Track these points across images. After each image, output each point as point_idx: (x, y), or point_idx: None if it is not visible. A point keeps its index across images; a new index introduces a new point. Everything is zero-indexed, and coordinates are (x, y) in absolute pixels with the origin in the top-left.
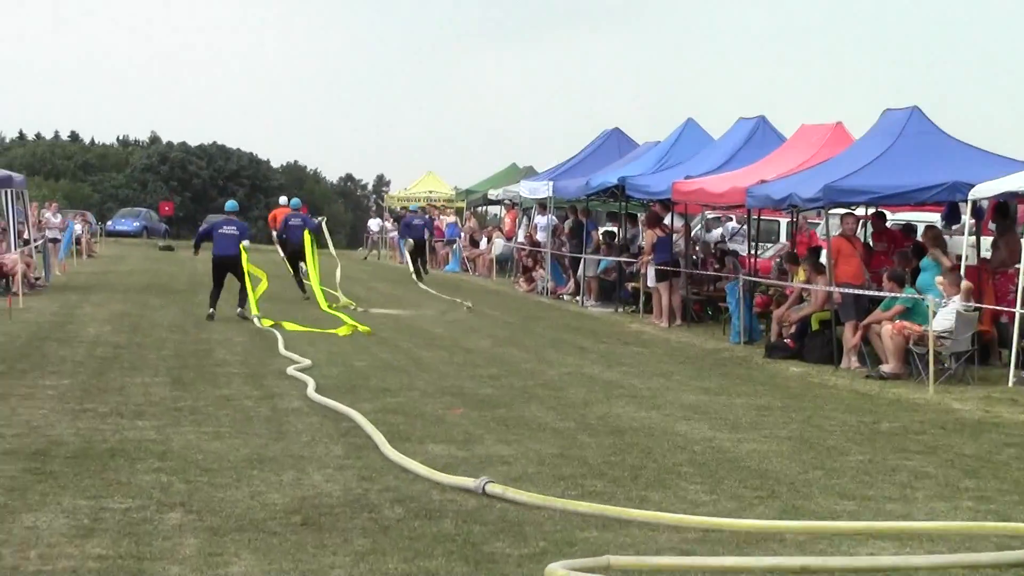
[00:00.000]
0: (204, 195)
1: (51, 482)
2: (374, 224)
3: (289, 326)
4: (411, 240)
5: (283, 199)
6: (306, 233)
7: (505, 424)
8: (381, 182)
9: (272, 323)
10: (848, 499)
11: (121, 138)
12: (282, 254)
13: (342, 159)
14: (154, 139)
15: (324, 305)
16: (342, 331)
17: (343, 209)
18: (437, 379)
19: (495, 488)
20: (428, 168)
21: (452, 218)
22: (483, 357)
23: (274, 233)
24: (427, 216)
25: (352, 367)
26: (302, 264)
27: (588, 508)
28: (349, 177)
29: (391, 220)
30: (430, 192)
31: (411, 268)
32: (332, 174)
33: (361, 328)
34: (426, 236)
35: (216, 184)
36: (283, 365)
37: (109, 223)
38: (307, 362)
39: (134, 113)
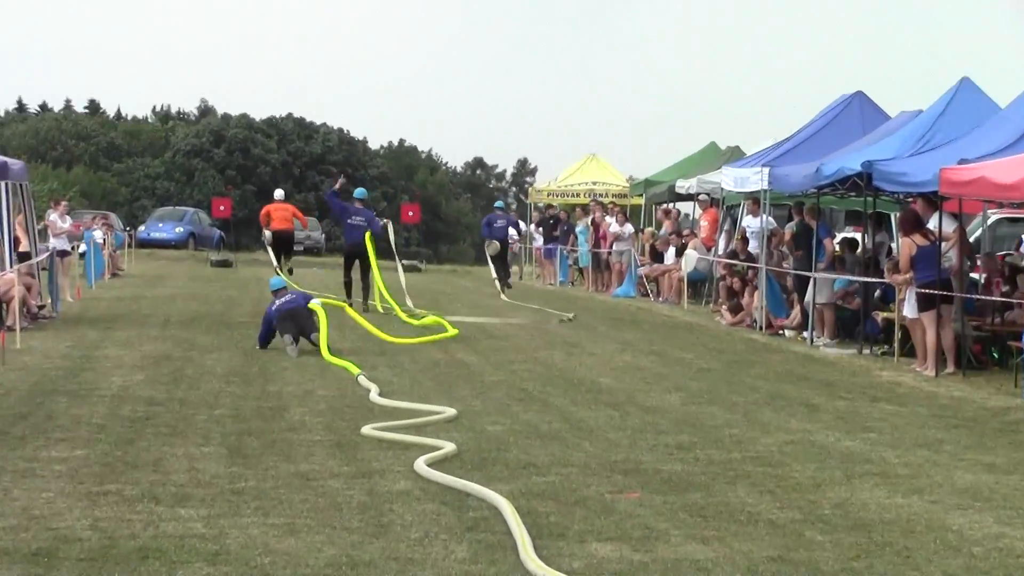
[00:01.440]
0: (275, 188)
1: None
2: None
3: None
4: (495, 242)
5: (279, 193)
6: (367, 236)
7: (701, 514)
8: (524, 170)
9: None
10: None
11: (159, 109)
12: (269, 251)
13: (468, 139)
14: (205, 111)
15: (402, 316)
16: (451, 332)
17: (469, 207)
18: (604, 450)
19: None
20: (590, 150)
21: (623, 227)
22: (669, 419)
23: (266, 233)
24: (511, 215)
25: (484, 432)
26: (354, 273)
27: None
28: (478, 163)
29: (536, 224)
30: (593, 184)
31: (494, 276)
32: (455, 158)
33: (451, 331)
34: (512, 238)
35: (292, 173)
36: (388, 420)
37: (142, 229)
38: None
39: (177, 76)
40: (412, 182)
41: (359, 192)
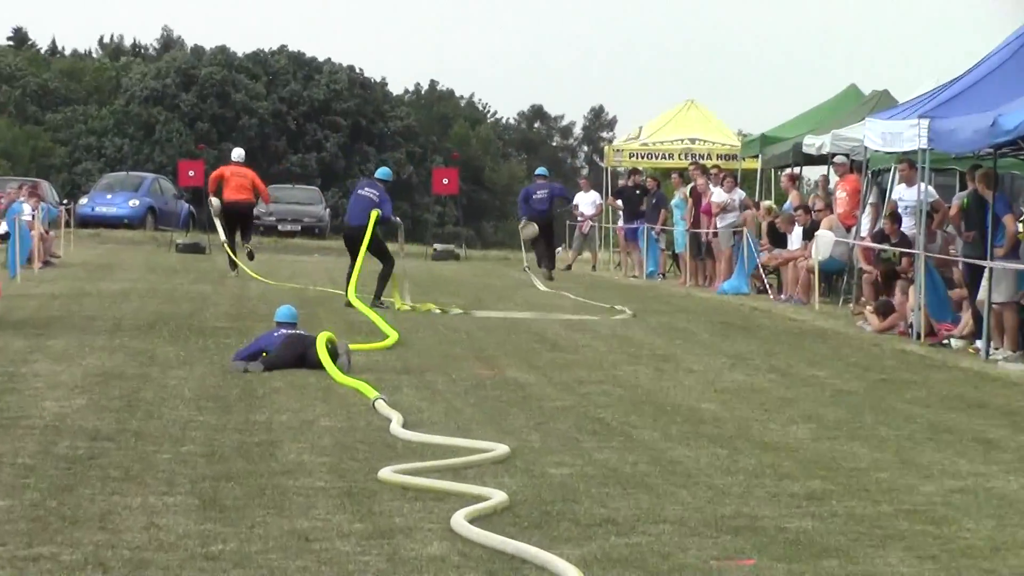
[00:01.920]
0: (264, 146)
1: None
2: (585, 202)
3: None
4: (532, 223)
5: (237, 153)
6: (374, 214)
7: None
8: (598, 122)
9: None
10: None
11: (108, 42)
12: (218, 224)
13: (522, 81)
14: (168, 43)
15: (399, 304)
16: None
17: (524, 172)
18: (707, 501)
19: None
20: (687, 95)
21: (731, 194)
22: (796, 459)
23: (213, 201)
24: (555, 184)
25: (545, 477)
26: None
27: None
28: (537, 113)
29: (614, 195)
30: (691, 141)
31: (526, 265)
32: (506, 107)
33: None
34: (580, 215)
35: (286, 126)
36: (403, 459)
37: (84, 202)
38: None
39: None
40: (447, 139)
41: (382, 172)
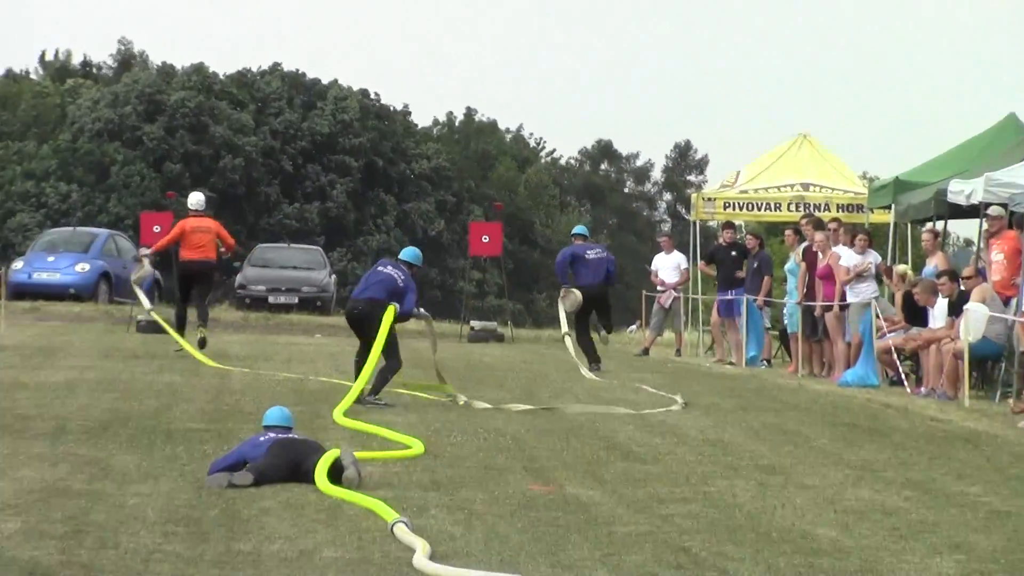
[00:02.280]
0: (251, 193)
1: None
2: (667, 266)
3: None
4: (573, 292)
5: (195, 199)
6: (390, 310)
7: None
8: (683, 162)
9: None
10: None
11: (52, 59)
12: (139, 292)
13: (585, 112)
14: (128, 60)
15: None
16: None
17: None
18: None
19: None
20: (798, 128)
21: (865, 256)
22: None
23: (143, 254)
24: (606, 251)
25: None
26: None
27: None
28: (605, 150)
29: (706, 259)
30: (804, 187)
31: (571, 347)
32: (565, 145)
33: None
34: (610, 282)
35: (280, 167)
36: None
37: (19, 266)
38: None
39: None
40: (488, 184)
41: (409, 253)
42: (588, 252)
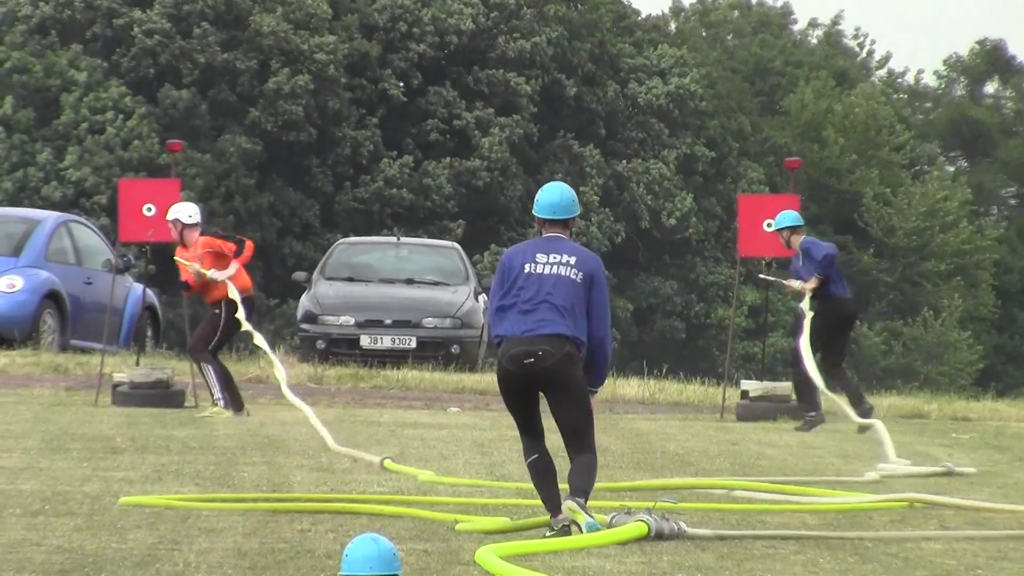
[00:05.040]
0: (328, 139)
1: None
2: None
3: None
4: (802, 307)
5: (182, 210)
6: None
7: None
8: None
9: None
10: None
11: None
12: (251, 332)
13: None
14: None
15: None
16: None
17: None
18: None
19: None
20: None
21: None
22: None
23: (213, 275)
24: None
25: None
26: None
27: None
28: (991, 55)
29: None
30: None
31: (820, 384)
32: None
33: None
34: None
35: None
36: None
37: None
38: None
39: None
40: (772, 121)
41: (557, 198)
42: (813, 248)
